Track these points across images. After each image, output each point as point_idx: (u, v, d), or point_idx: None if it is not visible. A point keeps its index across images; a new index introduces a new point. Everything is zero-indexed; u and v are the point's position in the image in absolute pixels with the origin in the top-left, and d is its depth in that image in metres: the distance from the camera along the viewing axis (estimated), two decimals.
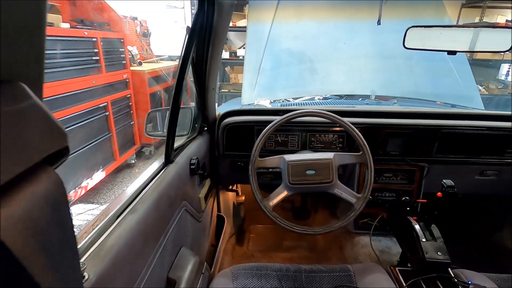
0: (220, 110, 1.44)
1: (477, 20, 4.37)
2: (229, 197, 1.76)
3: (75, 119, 2.43)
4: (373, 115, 1.36)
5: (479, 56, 4.47)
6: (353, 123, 1.29)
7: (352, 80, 1.88)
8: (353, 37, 1.98)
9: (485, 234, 1.71)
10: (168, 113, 0.92)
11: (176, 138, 1.22)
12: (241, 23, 4.74)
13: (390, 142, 1.32)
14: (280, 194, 1.08)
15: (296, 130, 1.35)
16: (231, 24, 4.67)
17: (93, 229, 0.59)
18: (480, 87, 4.53)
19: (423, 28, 0.93)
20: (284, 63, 1.96)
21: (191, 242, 1.08)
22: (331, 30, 2.04)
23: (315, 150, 1.35)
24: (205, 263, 1.01)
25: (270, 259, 1.67)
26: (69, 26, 2.43)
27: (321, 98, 2.31)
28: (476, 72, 4.76)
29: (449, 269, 1.05)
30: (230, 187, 1.65)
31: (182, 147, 1.10)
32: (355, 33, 1.99)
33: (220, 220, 1.60)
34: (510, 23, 4.49)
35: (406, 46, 0.96)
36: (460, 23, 4.55)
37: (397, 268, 1.11)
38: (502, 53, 4.35)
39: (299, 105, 2.11)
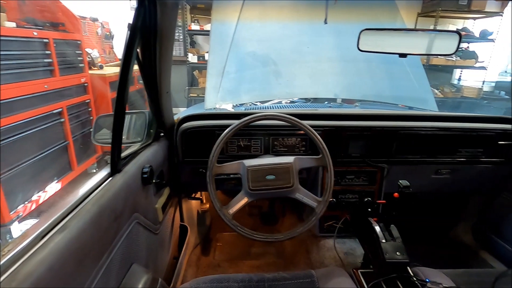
0: (182, 115, 1.37)
1: (431, 27, 4.68)
2: (192, 205, 1.68)
3: (23, 126, 2.22)
4: (334, 117, 1.36)
5: (434, 61, 4.78)
6: (314, 126, 1.28)
7: (316, 83, 1.90)
8: (316, 40, 2.01)
9: (442, 231, 1.79)
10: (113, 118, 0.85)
11: (128, 145, 1.14)
12: (209, 27, 4.69)
13: (351, 144, 1.33)
14: (241, 201, 1.04)
15: (259, 134, 1.32)
16: (198, 28, 4.60)
17: (5, 255, 0.50)
18: (436, 91, 4.84)
19: (375, 31, 0.95)
20: (248, 66, 1.93)
21: (145, 257, 1.00)
22: (295, 33, 2.05)
23: (279, 154, 1.33)
24: (160, 279, 0.94)
25: (237, 268, 1.61)
26: (15, 25, 2.23)
27: (288, 101, 2.32)
28: (433, 77, 5.11)
29: (408, 268, 1.06)
30: (193, 195, 1.58)
31: (134, 154, 1.02)
32: (318, 37, 2.01)
33: (183, 231, 1.52)
34: (461, 31, 4.86)
35: (360, 48, 0.97)
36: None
37: (359, 271, 1.10)
38: (449, 57, 4.70)
39: (266, 108, 2.10)
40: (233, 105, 1.75)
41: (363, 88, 1.96)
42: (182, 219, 1.53)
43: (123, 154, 1.00)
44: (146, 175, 0.97)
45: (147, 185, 1.01)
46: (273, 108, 2.11)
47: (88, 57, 3.46)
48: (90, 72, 3.28)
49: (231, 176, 1.27)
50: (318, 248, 1.48)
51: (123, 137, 1.24)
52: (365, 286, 1.03)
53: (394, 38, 0.96)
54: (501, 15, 4.69)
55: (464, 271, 1.10)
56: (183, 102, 4.98)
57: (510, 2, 4.52)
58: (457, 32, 0.90)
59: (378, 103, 2.06)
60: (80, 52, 3.04)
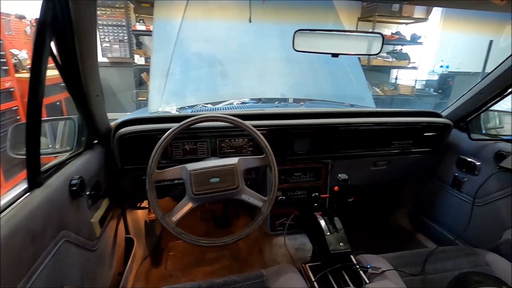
0: (122, 119, 1.28)
1: (370, 31, 5.07)
2: (139, 216, 1.58)
3: None
4: (280, 117, 1.39)
5: (374, 62, 5.18)
6: (259, 126, 1.29)
7: (263, 83, 1.92)
8: (262, 41, 2.03)
9: (383, 218, 1.94)
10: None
11: (56, 155, 1.03)
12: None
13: (296, 142, 1.37)
14: (185, 207, 0.99)
15: (205, 136, 1.28)
16: (144, 28, 4.38)
17: None
18: (377, 89, 5.26)
19: (308, 31, 0.98)
20: (194, 66, 1.88)
21: (80, 278, 0.91)
22: (241, 34, 2.05)
23: (226, 155, 1.31)
24: None
25: (191, 276, 1.55)
26: None
27: (240, 102, 2.32)
28: (373, 76, 5.53)
29: (352, 256, 1.12)
30: (139, 204, 1.48)
31: (60, 166, 0.91)
32: (263, 37, 2.04)
33: (130, 244, 1.42)
34: (395, 35, 5.35)
35: (296, 48, 0.99)
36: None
37: (307, 265, 1.13)
38: (386, 58, 5.15)
39: (217, 110, 2.07)
40: (177, 108, 1.68)
41: (308, 88, 2.03)
42: (127, 232, 1.43)
43: (47, 166, 0.89)
44: (75, 188, 0.88)
45: (77, 199, 0.92)
46: (224, 109, 2.09)
47: (15, 59, 3.08)
48: (17, 75, 2.91)
49: (175, 182, 1.22)
50: (271, 246, 1.49)
51: (49, 147, 1.12)
52: (313, 279, 1.06)
53: (326, 39, 1.00)
54: (427, 21, 5.27)
55: (400, 253, 1.20)
56: (132, 106, 4.70)
57: (434, 9, 5.11)
58: (380, 34, 0.98)
59: (326, 102, 2.16)
60: (3, 53, 2.68)
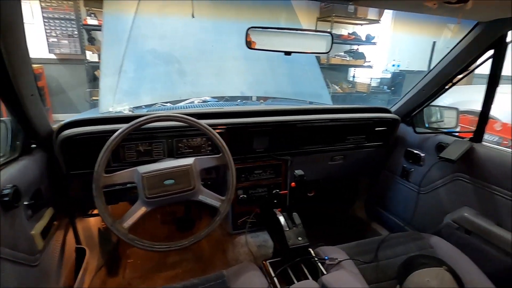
0: (68, 121, 1.17)
1: (328, 30, 5.27)
2: (91, 223, 1.48)
3: None
4: (239, 115, 1.38)
5: (333, 61, 5.40)
6: (217, 124, 1.27)
7: (223, 82, 1.89)
8: (220, 39, 2.01)
9: (342, 211, 2.03)
10: None
11: None
12: None
13: (255, 140, 1.37)
14: (137, 212, 0.95)
15: (160, 137, 1.23)
16: (96, 22, 4.10)
17: None
18: (336, 87, 5.50)
19: (260, 29, 0.98)
20: (149, 64, 1.80)
21: None
22: (198, 31, 2.00)
23: (183, 156, 1.27)
24: None
25: (151, 282, 1.49)
26: None
27: (201, 101, 2.27)
28: (333, 75, 5.76)
29: (311, 249, 1.15)
30: (91, 211, 1.38)
31: None
32: (222, 35, 2.01)
33: (81, 254, 1.32)
34: (351, 35, 5.62)
35: (248, 46, 0.99)
36: None
37: (268, 261, 1.14)
38: (344, 57, 5.39)
39: (175, 108, 2.00)
40: (131, 108, 1.60)
41: (268, 86, 2.05)
42: (78, 241, 1.33)
43: None
44: (7, 198, 0.79)
45: (11, 210, 0.82)
46: (184, 108, 2.03)
47: None
48: None
49: (128, 185, 1.16)
50: (234, 245, 1.48)
51: None
52: (273, 275, 1.07)
53: (278, 37, 1.01)
54: (379, 23, 5.61)
55: (356, 243, 1.26)
56: (86, 106, 4.39)
57: (385, 11, 5.44)
58: (330, 33, 1.01)
59: (288, 100, 2.20)
60: None
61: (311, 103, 2.13)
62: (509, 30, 1.09)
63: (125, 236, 0.91)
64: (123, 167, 1.00)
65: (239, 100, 2.24)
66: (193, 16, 0.82)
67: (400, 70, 6.07)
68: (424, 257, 1.10)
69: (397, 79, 5.98)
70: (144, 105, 1.89)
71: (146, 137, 1.20)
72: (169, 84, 1.79)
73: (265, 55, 1.72)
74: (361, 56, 5.65)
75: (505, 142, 2.47)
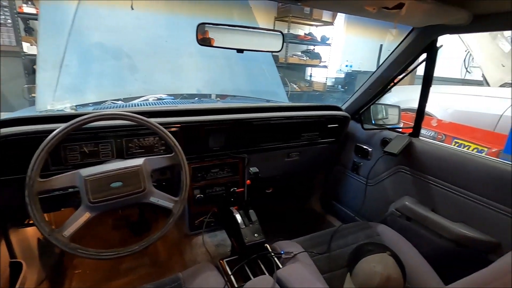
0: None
1: (286, 31, 5.39)
2: (29, 234, 1.33)
3: None
4: (194, 113, 1.34)
5: (291, 60, 5.54)
6: (171, 123, 1.23)
7: (177, 79, 1.83)
8: (175, 34, 1.94)
9: (299, 205, 2.10)
10: None
11: None
12: None
13: (211, 138, 1.35)
14: (80, 218, 0.87)
15: (108, 136, 1.15)
16: (33, 11, 3.69)
17: None
18: (294, 86, 5.66)
19: (211, 26, 0.96)
20: (95, 59, 1.67)
21: None
22: (151, 25, 1.91)
23: (134, 156, 1.20)
24: None
25: None
26: None
27: (156, 98, 2.17)
28: (291, 74, 5.91)
29: (267, 245, 1.17)
30: (27, 221, 1.25)
31: None
32: (176, 30, 1.94)
33: (17, 269, 1.18)
34: (308, 36, 5.82)
35: (199, 42, 0.97)
36: None
37: (224, 260, 1.14)
38: (301, 57, 5.58)
39: (128, 106, 1.89)
40: (74, 106, 1.47)
41: (226, 84, 2.03)
42: (12, 255, 1.19)
43: None
44: None
45: None
46: (138, 106, 1.92)
47: None
48: None
49: (70, 190, 1.06)
50: (191, 247, 1.45)
51: None
52: (230, 273, 1.07)
53: (230, 34, 1.00)
54: (333, 25, 5.89)
55: (311, 235, 1.31)
56: (24, 103, 3.94)
57: (338, 14, 5.73)
58: (280, 32, 1.03)
59: (247, 98, 2.20)
60: None
61: (268, 101, 2.16)
62: (439, 35, 1.21)
63: (65, 245, 0.84)
64: (65, 171, 0.92)
65: (196, 98, 2.19)
66: (132, 8, 0.77)
67: (353, 70, 6.45)
68: (371, 244, 1.18)
69: (350, 79, 6.35)
70: (91, 103, 1.75)
71: (91, 137, 1.11)
72: (119, 81, 1.68)
73: (221, 52, 1.70)
74: (317, 56, 5.88)
75: (439, 136, 2.77)
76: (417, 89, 1.43)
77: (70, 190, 1.06)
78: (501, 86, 3.74)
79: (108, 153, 1.16)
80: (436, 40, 1.24)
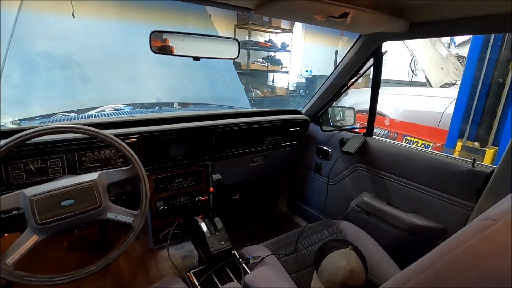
0: None
1: (246, 38, 5.48)
2: None
3: None
4: (154, 122, 1.30)
5: (253, 67, 5.63)
6: (129, 133, 1.18)
7: (135, 87, 1.77)
8: (130, 42, 1.87)
9: (267, 209, 2.12)
10: None
11: None
12: None
13: (173, 147, 1.32)
14: (27, 242, 0.80)
15: (58, 151, 1.07)
16: None
17: None
18: (258, 91, 5.75)
19: (166, 33, 0.95)
20: (41, 68, 1.55)
21: None
22: (103, 32, 1.82)
23: (89, 171, 1.13)
24: None
25: None
26: None
27: (113, 109, 2.06)
28: (255, 80, 6.01)
29: (235, 252, 1.17)
30: None
31: None
32: (131, 38, 1.88)
33: None
34: (268, 43, 5.96)
35: (153, 50, 0.95)
36: None
37: (191, 272, 1.11)
38: (263, 64, 5.69)
39: (82, 118, 1.78)
40: (17, 120, 1.35)
41: (187, 91, 2.00)
42: None
43: None
44: None
45: None
46: (92, 117, 1.81)
47: None
48: None
49: (13, 213, 0.97)
50: (156, 261, 1.39)
51: None
52: (197, 284, 1.04)
53: (186, 42, 1.00)
54: (292, 32, 6.11)
55: (278, 238, 1.33)
56: None
57: (297, 22, 5.95)
58: (236, 39, 1.05)
59: (210, 105, 2.18)
60: None
61: (231, 107, 2.17)
62: (383, 42, 1.32)
63: (10, 274, 0.76)
64: (9, 192, 0.84)
65: (157, 107, 2.12)
66: (73, 16, 0.73)
67: (312, 75, 6.73)
68: (334, 241, 1.23)
69: (310, 83, 6.61)
70: (39, 116, 1.62)
71: (38, 153, 1.03)
72: (69, 91, 1.58)
73: (181, 60, 1.67)
74: (278, 62, 6.05)
75: (392, 134, 2.99)
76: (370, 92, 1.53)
77: (14, 212, 0.97)
78: (441, 86, 4.16)
79: (58, 170, 1.08)
80: (380, 46, 1.35)
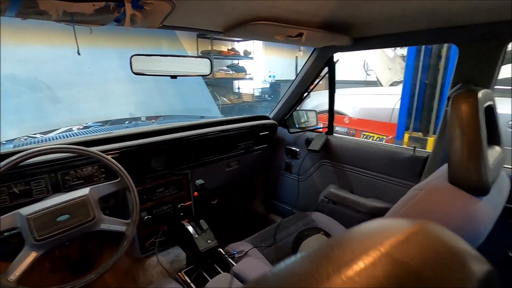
0: None
1: (209, 47, 5.60)
2: None
3: None
4: (131, 137, 1.37)
5: (218, 75, 5.75)
6: (109, 150, 1.24)
7: (107, 105, 1.81)
8: (98, 61, 1.91)
9: (245, 210, 2.25)
10: None
11: None
12: None
13: (153, 159, 1.40)
14: (27, 259, 0.85)
15: (40, 172, 1.10)
16: None
17: None
18: (225, 99, 5.87)
19: (144, 56, 1.05)
20: (8, 93, 1.54)
21: None
22: (69, 54, 1.84)
23: (74, 188, 1.17)
24: None
25: None
26: None
27: (82, 127, 2.06)
28: (220, 88, 6.13)
29: (221, 249, 1.28)
30: None
31: None
32: (100, 58, 1.92)
33: None
34: (231, 51, 6.12)
35: (134, 71, 1.04)
36: (199, 50, 5.64)
37: (183, 271, 1.20)
38: (227, 71, 5.84)
39: (48, 140, 1.77)
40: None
41: (158, 105, 2.07)
42: None
43: None
44: None
45: None
46: (59, 138, 1.81)
47: None
48: None
49: (5, 234, 0.99)
50: (145, 270, 1.45)
51: None
52: (189, 281, 1.14)
53: (163, 62, 1.11)
54: (253, 40, 6.33)
55: (258, 233, 1.46)
56: None
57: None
58: (208, 57, 1.18)
59: (180, 117, 2.26)
60: None
61: (202, 117, 2.27)
62: (333, 53, 1.53)
63: None
64: None
65: (127, 122, 2.16)
66: (78, 54, 0.77)
67: (276, 80, 7.01)
68: (308, 230, 1.40)
69: (274, 88, 6.88)
70: (5, 141, 1.60)
71: (19, 176, 1.06)
72: (40, 113, 1.58)
73: (150, 76, 1.76)
74: (242, 69, 6.23)
75: (351, 131, 3.29)
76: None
77: (6, 233, 1.00)
78: (391, 85, 4.61)
79: (42, 190, 1.11)
80: (332, 57, 1.56)
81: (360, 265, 0.23)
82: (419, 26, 1.10)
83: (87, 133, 1.91)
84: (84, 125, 2.03)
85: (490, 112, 0.83)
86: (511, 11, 0.87)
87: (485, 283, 0.26)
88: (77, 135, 1.85)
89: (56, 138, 1.85)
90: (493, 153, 0.78)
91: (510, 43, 0.99)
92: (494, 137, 0.87)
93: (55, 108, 1.63)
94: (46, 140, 1.79)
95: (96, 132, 1.88)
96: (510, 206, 1.09)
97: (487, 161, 0.67)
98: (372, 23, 1.12)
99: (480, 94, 0.69)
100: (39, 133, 1.79)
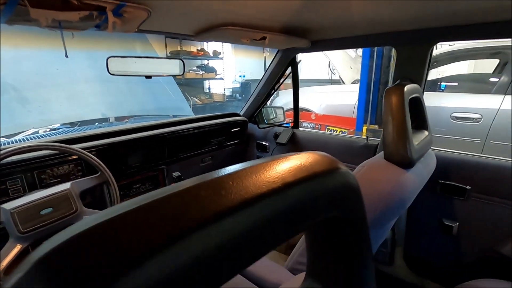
0: None
1: (178, 48, 5.58)
2: None
3: None
4: (106, 136, 1.42)
5: (188, 76, 5.75)
6: (86, 148, 1.29)
7: (78, 105, 1.82)
8: (66, 61, 1.91)
9: None
10: None
11: None
12: None
13: (129, 157, 1.45)
14: (12, 251, 0.89)
15: (15, 172, 1.12)
16: None
17: None
18: (196, 99, 5.89)
19: (120, 57, 1.12)
20: None
21: None
22: (34, 54, 1.83)
23: (51, 186, 1.21)
24: None
25: None
26: None
27: (48, 129, 2.03)
28: (191, 89, 6.14)
29: None
30: None
31: None
32: (68, 59, 1.92)
33: None
34: (200, 51, 6.15)
35: (111, 72, 1.11)
36: (168, 50, 5.61)
37: None
38: (197, 72, 5.87)
39: (16, 142, 1.74)
40: None
41: (130, 105, 2.10)
42: None
43: None
44: None
45: None
46: (26, 140, 1.78)
47: None
48: None
49: None
50: None
51: None
52: None
53: (138, 63, 1.18)
54: (222, 42, 6.41)
55: None
56: None
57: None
58: (181, 59, 1.27)
59: (151, 116, 2.30)
60: None
61: (174, 116, 2.33)
62: (295, 54, 1.69)
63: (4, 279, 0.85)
64: None
65: (97, 123, 2.16)
66: (66, 56, 0.79)
67: (246, 80, 7.15)
68: None
69: (245, 87, 7.02)
70: None
71: None
72: (8, 116, 1.57)
73: (120, 77, 1.82)
74: (212, 69, 6.28)
75: (317, 127, 3.52)
76: (301, 92, 1.89)
77: None
78: (353, 83, 4.95)
79: (18, 189, 1.14)
80: (295, 57, 1.72)
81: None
82: (364, 31, 1.29)
83: (53, 134, 1.90)
84: (50, 127, 2.01)
85: (418, 102, 1.02)
86: (436, 19, 1.07)
87: None
88: (43, 137, 1.84)
89: (20, 141, 1.82)
90: (419, 135, 0.97)
91: (435, 46, 1.20)
92: (423, 123, 1.08)
93: (24, 109, 1.61)
94: (8, 143, 1.76)
95: (63, 133, 1.88)
96: (443, 182, 1.31)
97: (411, 141, 0.85)
98: (325, 28, 1.28)
99: (406, 88, 0.87)
100: (2, 137, 1.76)
